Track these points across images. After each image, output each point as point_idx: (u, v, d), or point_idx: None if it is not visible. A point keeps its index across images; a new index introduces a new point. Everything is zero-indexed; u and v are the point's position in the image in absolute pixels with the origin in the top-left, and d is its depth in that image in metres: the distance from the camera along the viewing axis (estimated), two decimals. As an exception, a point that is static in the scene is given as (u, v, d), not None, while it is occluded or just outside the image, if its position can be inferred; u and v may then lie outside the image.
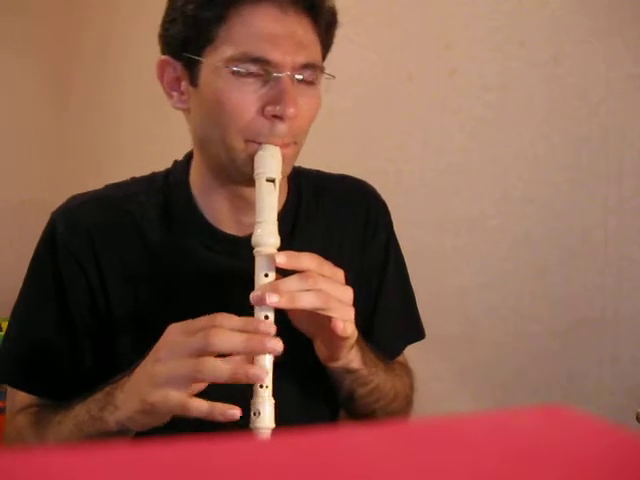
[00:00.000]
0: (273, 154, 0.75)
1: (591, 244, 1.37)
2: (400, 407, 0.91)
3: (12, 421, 0.85)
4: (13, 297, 0.88)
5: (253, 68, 0.74)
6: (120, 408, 0.69)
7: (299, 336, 0.77)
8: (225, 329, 0.64)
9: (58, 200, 0.90)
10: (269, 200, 0.73)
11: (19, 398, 0.85)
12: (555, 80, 1.43)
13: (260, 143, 0.75)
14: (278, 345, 0.65)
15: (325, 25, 0.79)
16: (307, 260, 0.71)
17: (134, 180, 0.90)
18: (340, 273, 0.74)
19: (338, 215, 0.93)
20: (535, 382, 1.44)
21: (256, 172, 0.74)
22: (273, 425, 0.67)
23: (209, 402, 0.64)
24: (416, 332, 1.00)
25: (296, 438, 0.26)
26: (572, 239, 1.40)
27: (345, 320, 0.71)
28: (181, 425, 0.66)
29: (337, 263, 0.89)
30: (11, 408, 0.87)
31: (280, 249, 0.72)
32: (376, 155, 1.69)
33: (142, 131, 2.43)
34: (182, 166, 0.88)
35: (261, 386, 0.66)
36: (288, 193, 0.90)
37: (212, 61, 0.75)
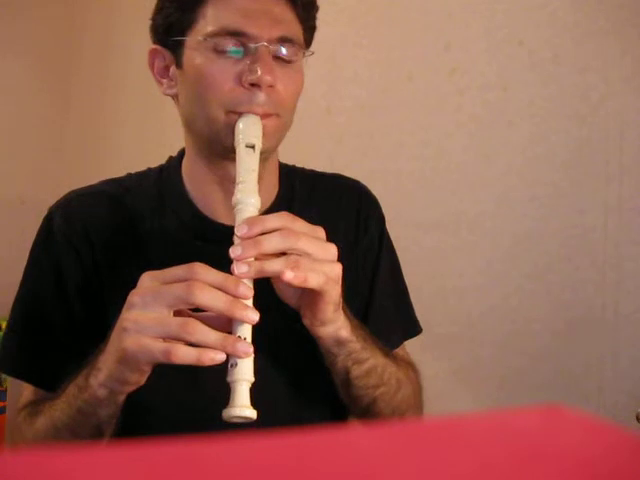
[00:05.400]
0: (253, 122, 0.77)
1: (591, 244, 1.37)
2: (407, 401, 0.88)
3: (15, 418, 0.86)
4: (13, 297, 0.88)
5: (231, 42, 0.78)
6: (101, 369, 0.68)
7: (285, 310, 0.74)
8: (208, 286, 0.63)
9: (58, 200, 0.91)
10: (249, 163, 0.74)
11: (25, 395, 0.86)
12: (555, 80, 1.43)
13: (241, 113, 0.78)
14: (256, 316, 0.64)
15: (303, 5, 0.83)
16: (275, 220, 0.68)
17: (129, 176, 0.93)
18: (320, 230, 0.71)
19: (330, 211, 0.93)
20: (535, 382, 1.44)
21: (236, 140, 0.77)
22: (252, 378, 0.64)
23: (195, 348, 0.62)
24: (412, 327, 0.99)
25: (298, 438, 0.26)
26: (572, 239, 1.40)
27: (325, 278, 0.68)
28: (168, 424, 0.64)
29: None
30: (17, 405, 0.87)
31: None
32: (376, 155, 1.69)
33: (142, 131, 2.43)
34: (176, 160, 0.91)
35: (239, 337, 0.64)
36: (280, 189, 0.92)
37: (194, 39, 0.80)
